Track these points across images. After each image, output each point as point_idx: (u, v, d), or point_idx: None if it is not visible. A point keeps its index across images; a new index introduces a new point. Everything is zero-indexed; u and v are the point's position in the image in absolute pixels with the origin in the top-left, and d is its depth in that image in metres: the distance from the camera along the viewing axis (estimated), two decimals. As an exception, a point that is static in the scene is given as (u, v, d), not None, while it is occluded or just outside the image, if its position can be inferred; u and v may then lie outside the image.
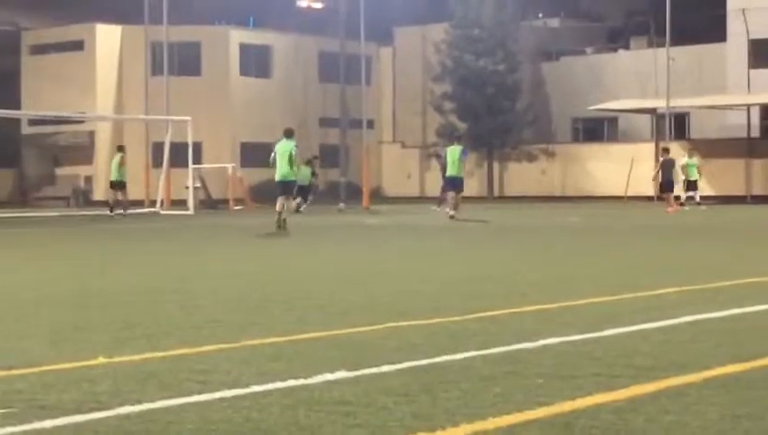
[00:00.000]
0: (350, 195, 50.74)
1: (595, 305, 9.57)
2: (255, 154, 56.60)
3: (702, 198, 40.74)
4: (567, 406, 5.31)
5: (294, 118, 59.29)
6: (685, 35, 51.45)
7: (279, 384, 5.92)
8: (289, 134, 25.66)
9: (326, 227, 28.04)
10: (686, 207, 37.93)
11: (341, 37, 56.13)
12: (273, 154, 25.29)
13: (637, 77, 56.12)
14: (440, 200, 39.51)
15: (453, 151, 30.73)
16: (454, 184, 30.59)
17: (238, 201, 43.53)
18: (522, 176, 56.34)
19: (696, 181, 40.32)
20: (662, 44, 49.95)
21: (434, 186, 58.51)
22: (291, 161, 24.75)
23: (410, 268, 14.30)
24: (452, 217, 29.47)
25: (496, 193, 56.23)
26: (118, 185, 35.85)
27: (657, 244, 19.67)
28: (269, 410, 5.32)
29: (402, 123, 63.66)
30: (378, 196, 55.62)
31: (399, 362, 6.56)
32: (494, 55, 55.55)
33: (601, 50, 61.99)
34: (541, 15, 64.50)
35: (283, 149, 24.95)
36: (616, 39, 63.24)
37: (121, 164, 35.99)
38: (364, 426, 4.98)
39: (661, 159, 37.64)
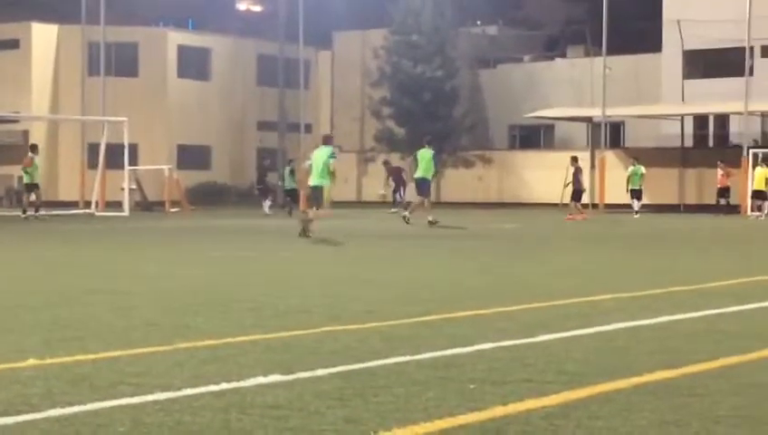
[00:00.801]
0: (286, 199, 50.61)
1: (529, 311, 9.62)
2: (192, 156, 56.41)
3: (645, 206, 41.28)
4: (498, 411, 5.34)
5: (232, 121, 59.16)
6: (621, 45, 51.97)
7: (212, 387, 5.90)
8: (327, 141, 24.94)
9: (263, 230, 27.96)
10: (637, 216, 38.28)
11: (281, 41, 56.06)
12: (309, 162, 24.40)
13: (573, 85, 56.61)
14: (394, 202, 40.10)
15: (423, 154, 30.62)
16: (421, 187, 30.34)
17: (174, 203, 43.28)
18: (458, 182, 56.54)
19: (640, 190, 40.77)
20: (599, 53, 50.38)
21: (370, 190, 58.59)
22: (326, 169, 23.76)
23: (346, 272, 14.30)
24: (431, 222, 29.22)
25: (433, 199, 56.36)
26: (31, 187, 34.88)
27: (591, 251, 19.83)
28: (201, 413, 5.29)
29: (340, 128, 63.61)
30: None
31: (333, 366, 6.56)
32: (433, 61, 55.72)
33: (538, 58, 62.43)
34: (479, 23, 64.81)
35: (320, 155, 23.96)
36: (553, 47, 63.73)
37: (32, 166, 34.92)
38: (296, 430, 4.98)
39: (572, 168, 37.92)
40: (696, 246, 21.48)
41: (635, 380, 6.20)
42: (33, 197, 34.80)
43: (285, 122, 56.84)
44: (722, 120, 53.76)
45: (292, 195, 40.03)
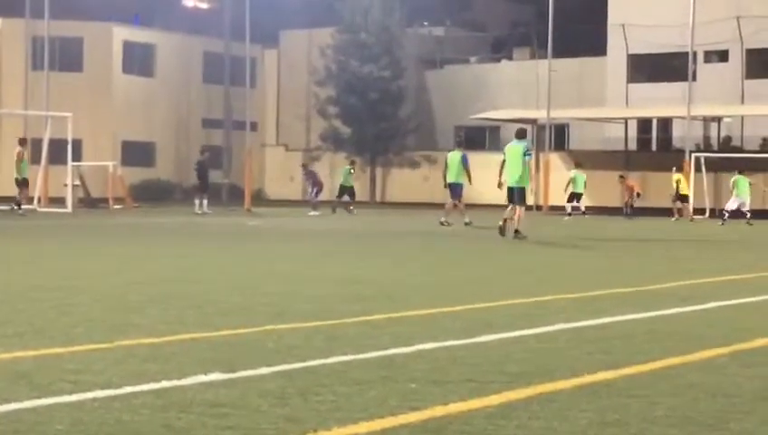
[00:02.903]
0: (232, 197, 50.52)
1: (473, 311, 9.65)
2: (137, 153, 56.08)
3: (587, 208, 41.68)
4: (439, 411, 5.35)
5: (177, 118, 58.86)
6: (567, 48, 52.34)
7: (152, 385, 5.86)
8: (521, 135, 23.80)
9: (207, 228, 27.85)
10: (568, 218, 38.57)
11: (227, 38, 55.88)
12: (502, 158, 23.28)
13: (519, 87, 56.89)
14: (312, 203, 40.09)
15: (453, 157, 30.52)
16: (453, 190, 30.42)
17: (118, 200, 42.97)
18: (404, 182, 56.66)
19: (581, 194, 41.12)
20: (544, 56, 50.70)
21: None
22: (525, 169, 22.95)
23: (291, 271, 14.27)
24: (442, 223, 29.43)
25: (378, 198, 56.46)
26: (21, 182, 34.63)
27: (534, 252, 19.93)
28: (141, 411, 5.26)
29: (286, 126, 63.56)
30: (260, 198, 55.43)
31: (276, 365, 6.55)
32: (379, 61, 55.81)
33: (485, 59, 62.70)
34: (426, 23, 64.95)
35: (514, 152, 22.86)
36: (499, 49, 64.04)
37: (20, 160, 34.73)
38: (236, 428, 4.96)
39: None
40: (639, 249, 21.65)
41: (576, 380, 6.24)
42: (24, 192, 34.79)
43: (231, 120, 56.67)
44: (665, 124, 54.30)
45: (350, 194, 41.31)
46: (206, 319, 8.81)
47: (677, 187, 40.85)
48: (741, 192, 38.84)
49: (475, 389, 5.94)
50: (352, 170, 42.45)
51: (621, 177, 43.11)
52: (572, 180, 41.10)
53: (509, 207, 23.10)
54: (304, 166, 44.97)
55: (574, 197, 40.99)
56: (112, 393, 5.65)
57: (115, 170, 45.19)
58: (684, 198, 41.09)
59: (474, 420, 5.18)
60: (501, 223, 23.18)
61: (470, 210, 31.25)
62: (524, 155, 22.76)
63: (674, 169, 41.53)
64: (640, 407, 5.55)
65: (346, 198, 40.90)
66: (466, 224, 29.30)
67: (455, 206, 30.60)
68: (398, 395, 5.73)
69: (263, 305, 9.82)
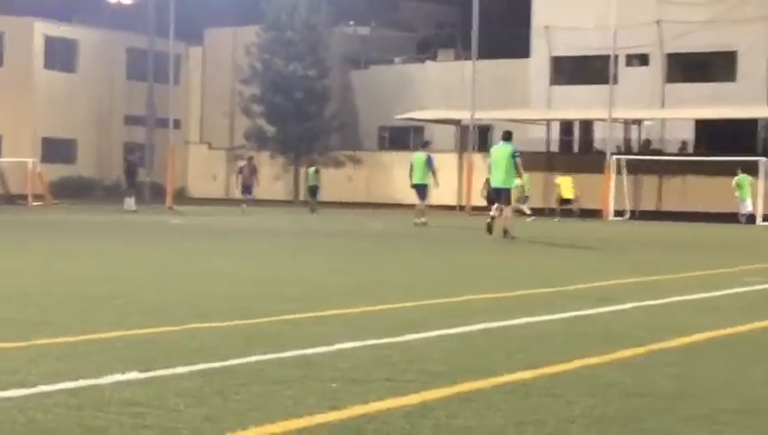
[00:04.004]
0: (154, 195, 50.11)
1: (395, 311, 9.66)
2: (58, 150, 55.40)
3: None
4: (358, 410, 5.34)
5: (99, 115, 58.24)
6: (491, 49, 52.61)
7: (68, 384, 5.78)
8: (507, 137, 24.08)
9: (128, 226, 27.59)
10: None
11: (150, 34, 55.37)
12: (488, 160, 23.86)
13: (443, 88, 57.09)
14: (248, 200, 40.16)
15: (418, 159, 30.68)
16: (419, 191, 30.70)
17: (37, 197, 42.41)
18: (328, 182, 56.56)
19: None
20: (469, 57, 50.94)
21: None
22: (513, 168, 23.14)
23: (212, 269, 14.18)
24: (416, 223, 29.60)
25: (302, 198, 56.36)
26: None
27: (455, 253, 20.01)
28: (55, 410, 5.18)
29: (209, 124, 63.18)
30: (182, 196, 55.05)
31: (194, 364, 6.49)
32: (304, 60, 55.68)
33: (410, 60, 62.81)
34: (352, 23, 64.95)
35: (501, 153, 23.23)
36: (425, 50, 64.19)
37: None
38: (153, 428, 4.91)
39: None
40: (559, 249, 21.83)
41: (494, 379, 6.26)
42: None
43: (154, 117, 56.17)
44: (587, 126, 54.83)
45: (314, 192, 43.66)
46: (125, 318, 8.72)
47: (560, 190, 41.96)
48: (745, 194, 39.88)
49: (394, 388, 5.94)
50: (317, 171, 44.81)
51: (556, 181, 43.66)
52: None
53: (494, 207, 23.50)
54: (250, 159, 44.76)
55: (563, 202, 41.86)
56: (27, 392, 5.56)
57: (35, 167, 44.59)
58: (566, 202, 42.11)
59: (392, 420, 5.18)
60: (489, 221, 23.43)
61: (392, 210, 31.29)
62: (513, 157, 23.01)
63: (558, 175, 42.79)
64: (558, 406, 5.59)
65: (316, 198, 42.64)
66: (416, 224, 29.76)
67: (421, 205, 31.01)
68: (318, 394, 5.71)
69: (183, 304, 9.75)
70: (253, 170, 41.85)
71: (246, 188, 41.08)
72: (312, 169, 44.55)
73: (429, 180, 30.71)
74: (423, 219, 30.08)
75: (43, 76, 55.60)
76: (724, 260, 18.61)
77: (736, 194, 41.20)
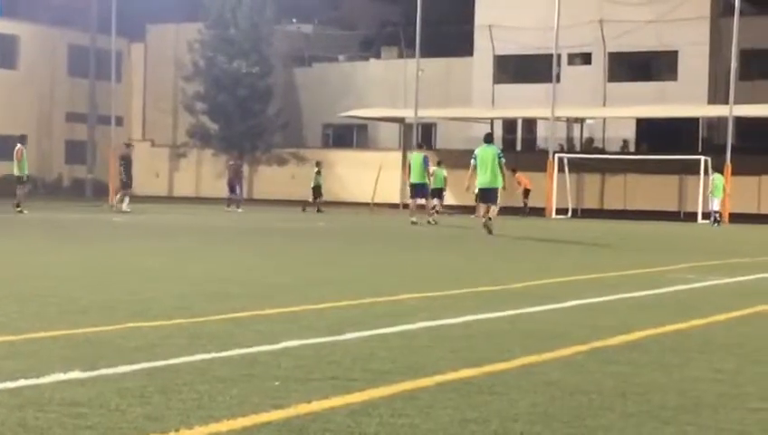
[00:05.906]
0: (96, 192, 49.74)
1: (338, 309, 9.65)
2: (-3, 147, 54.73)
3: (448, 207, 42.12)
4: (302, 409, 5.34)
5: (40, 112, 57.69)
6: (434, 48, 52.78)
7: (8, 384, 5.72)
8: (489, 139, 25.18)
9: (70, 223, 27.36)
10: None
11: (92, 31, 54.94)
12: (473, 162, 24.36)
13: (387, 86, 57.18)
14: (229, 201, 40.82)
15: (416, 158, 31.29)
16: (417, 191, 31.25)
17: (-23, 195, 41.92)
18: (272, 179, 56.49)
19: (441, 190, 41.45)
20: (412, 55, 51.05)
21: (182, 186, 58.04)
22: (499, 168, 23.95)
23: (155, 267, 14.10)
24: (413, 223, 29.97)
25: (246, 196, 56.17)
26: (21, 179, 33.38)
27: (401, 251, 20.04)
28: (-4, 410, 5.13)
29: (152, 122, 62.81)
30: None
31: (136, 363, 6.45)
32: (248, 58, 55.53)
33: (353, 58, 62.85)
34: (295, 21, 64.86)
35: (486, 155, 24.02)
36: (368, 48, 64.27)
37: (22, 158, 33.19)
38: (95, 428, 4.87)
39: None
40: (502, 246, 21.93)
41: (438, 378, 6.28)
42: (25, 189, 33.66)
43: (96, 115, 55.73)
44: (530, 124, 55.18)
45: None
46: (67, 316, 8.65)
47: (524, 184, 43.27)
48: (718, 192, 40.20)
49: (338, 386, 5.94)
50: (319, 172, 45.26)
51: (513, 170, 43.70)
52: (434, 175, 41.51)
53: (482, 207, 24.31)
54: (235, 161, 45.30)
55: (434, 193, 41.45)
56: (-34, 392, 5.50)
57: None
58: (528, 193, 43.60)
59: (336, 418, 5.18)
60: (484, 221, 24.41)
61: (335, 207, 31.33)
62: (500, 157, 24.06)
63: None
64: (501, 404, 5.61)
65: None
66: (413, 223, 30.32)
67: (418, 205, 31.70)
68: (261, 393, 5.70)
69: (125, 303, 9.68)
70: (236, 172, 43.24)
71: (231, 188, 42.74)
72: (314, 170, 45.66)
73: (427, 180, 31.90)
74: (414, 218, 30.74)
75: (-17, 72, 54.99)
76: (666, 258, 18.78)
77: (710, 194, 41.10)
